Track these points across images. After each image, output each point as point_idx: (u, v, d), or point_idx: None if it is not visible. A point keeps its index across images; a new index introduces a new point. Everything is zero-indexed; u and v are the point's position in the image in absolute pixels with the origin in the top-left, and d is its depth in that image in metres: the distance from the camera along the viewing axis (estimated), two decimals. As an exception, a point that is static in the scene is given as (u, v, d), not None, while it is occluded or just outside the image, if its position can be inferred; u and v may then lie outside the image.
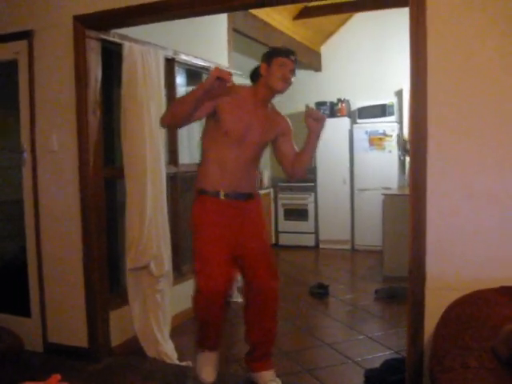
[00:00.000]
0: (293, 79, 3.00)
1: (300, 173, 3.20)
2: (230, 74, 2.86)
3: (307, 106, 3.15)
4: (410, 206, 2.78)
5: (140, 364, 3.59)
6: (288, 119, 3.26)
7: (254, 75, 3.15)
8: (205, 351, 3.21)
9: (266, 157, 8.81)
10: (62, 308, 3.79)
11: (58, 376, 3.05)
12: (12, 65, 3.82)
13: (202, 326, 3.13)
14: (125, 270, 3.77)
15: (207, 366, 3.20)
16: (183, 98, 3.07)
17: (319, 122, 3.00)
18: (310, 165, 3.24)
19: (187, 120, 2.99)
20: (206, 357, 3.21)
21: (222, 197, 2.99)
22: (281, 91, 3.02)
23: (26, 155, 3.79)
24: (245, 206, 3.07)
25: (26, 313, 3.94)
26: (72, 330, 3.76)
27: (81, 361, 3.63)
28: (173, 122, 3.07)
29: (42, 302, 3.85)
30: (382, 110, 7.62)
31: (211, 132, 3.05)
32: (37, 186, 3.78)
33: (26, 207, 3.85)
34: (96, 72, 3.61)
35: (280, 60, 2.96)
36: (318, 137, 3.05)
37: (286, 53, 3.00)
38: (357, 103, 7.89)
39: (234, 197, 3.01)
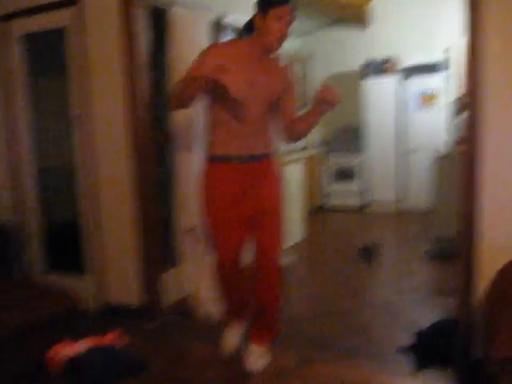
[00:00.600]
0: (289, 31, 2.68)
1: (294, 140, 3.01)
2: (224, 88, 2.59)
3: (325, 83, 2.69)
4: (462, 164, 2.73)
5: (191, 324, 3.69)
6: (291, 75, 3.01)
7: (249, 27, 2.80)
8: (231, 322, 3.29)
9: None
10: (117, 268, 3.92)
11: (115, 333, 3.20)
12: (61, 32, 3.88)
13: (224, 294, 3.17)
14: (178, 231, 3.85)
15: (231, 337, 3.27)
16: (182, 88, 2.61)
17: (329, 106, 2.66)
18: (306, 135, 2.96)
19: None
20: (232, 328, 3.29)
21: (233, 160, 2.86)
22: (276, 51, 2.77)
23: (79, 120, 3.87)
24: (258, 167, 2.92)
25: (84, 272, 4.08)
26: (127, 289, 3.88)
27: (135, 319, 3.76)
28: (182, 106, 2.76)
29: (99, 261, 3.98)
30: (431, 68, 7.38)
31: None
32: (91, 151, 3.87)
33: (81, 170, 3.96)
34: (143, 37, 3.62)
35: (276, 11, 2.61)
36: (321, 115, 2.77)
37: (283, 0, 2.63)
38: (406, 61, 7.68)
39: (246, 159, 2.86)
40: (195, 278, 3.83)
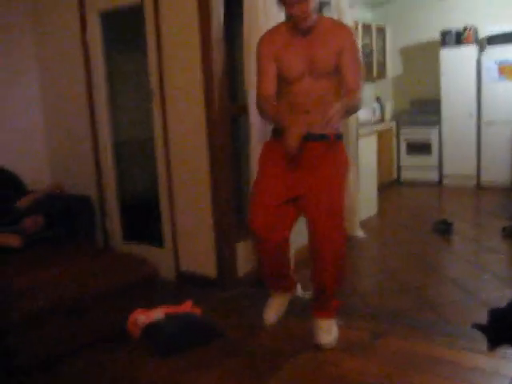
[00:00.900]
0: (309, 7, 2.66)
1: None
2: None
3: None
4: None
5: (264, 294, 3.76)
6: (349, 31, 2.92)
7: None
8: (272, 293, 3.31)
9: (388, 90, 8.61)
10: (192, 239, 4.02)
11: (190, 302, 3.30)
12: (138, 8, 3.96)
13: (263, 265, 3.17)
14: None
15: (270, 308, 3.28)
16: (267, 113, 2.92)
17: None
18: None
19: None
20: (273, 299, 3.31)
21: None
22: (304, 28, 2.78)
23: (156, 94, 3.97)
24: (317, 147, 2.86)
25: (160, 243, 4.23)
26: (201, 259, 3.99)
27: (209, 289, 3.86)
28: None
29: (174, 232, 4.10)
30: (512, 37, 7.07)
31: (279, 79, 2.93)
32: (166, 124, 3.96)
33: (157, 144, 4.07)
34: (219, 10, 3.65)
35: (287, 1, 2.70)
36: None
37: None
38: (485, 30, 7.36)
39: (304, 138, 2.75)
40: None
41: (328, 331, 3.00)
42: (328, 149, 2.90)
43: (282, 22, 3.01)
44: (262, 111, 2.96)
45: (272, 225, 2.93)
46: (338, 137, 2.98)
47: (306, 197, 2.90)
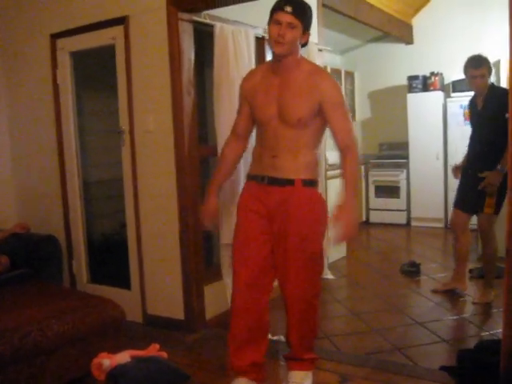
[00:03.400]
0: (291, 35, 2.51)
1: None
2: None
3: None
4: (508, 183, 2.68)
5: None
6: (332, 81, 2.68)
7: None
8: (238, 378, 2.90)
9: (357, 133, 8.74)
10: (159, 281, 3.98)
11: (157, 345, 3.24)
12: (110, 50, 3.99)
13: (232, 328, 2.89)
14: (219, 245, 3.89)
15: None
16: (217, 165, 3.13)
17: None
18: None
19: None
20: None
21: (259, 180, 2.74)
22: (278, 54, 2.57)
23: (125, 135, 3.97)
24: (287, 194, 2.67)
25: (127, 285, 4.16)
26: (169, 302, 3.94)
27: (177, 331, 3.81)
28: None
29: (141, 275, 4.05)
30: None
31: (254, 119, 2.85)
32: (135, 165, 3.95)
33: (125, 185, 4.05)
34: (189, 53, 3.71)
35: (275, 16, 2.53)
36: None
37: (279, 4, 2.53)
38: (451, 76, 7.59)
39: (268, 182, 2.70)
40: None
41: (302, 380, 2.91)
42: (293, 195, 2.68)
43: (268, 61, 2.97)
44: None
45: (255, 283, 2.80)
46: (310, 183, 2.72)
47: (280, 254, 2.74)
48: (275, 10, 2.54)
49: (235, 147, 2.98)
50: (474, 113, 4.47)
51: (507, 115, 3.55)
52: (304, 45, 2.69)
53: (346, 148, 2.66)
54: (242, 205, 2.85)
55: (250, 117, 2.85)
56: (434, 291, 4.70)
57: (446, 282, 4.77)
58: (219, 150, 3.70)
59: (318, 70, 2.73)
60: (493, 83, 4.48)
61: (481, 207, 4.26)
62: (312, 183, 2.72)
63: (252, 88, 2.77)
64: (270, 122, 2.69)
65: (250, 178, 2.85)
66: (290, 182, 2.67)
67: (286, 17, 2.49)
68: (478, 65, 4.28)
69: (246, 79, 2.88)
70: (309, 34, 2.65)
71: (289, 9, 2.48)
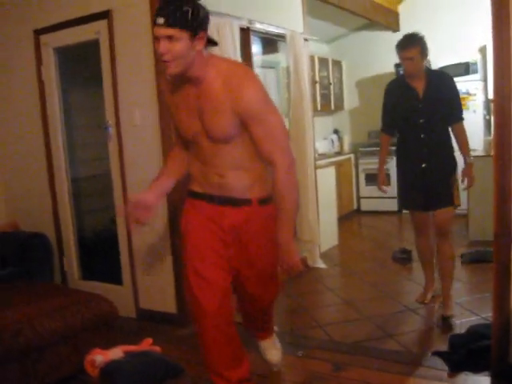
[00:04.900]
0: (176, 49, 2.11)
1: None
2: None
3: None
4: (494, 166, 2.69)
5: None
6: (250, 84, 2.25)
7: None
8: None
9: (346, 121, 8.76)
10: (151, 275, 3.97)
11: (150, 340, 3.23)
12: (94, 44, 3.97)
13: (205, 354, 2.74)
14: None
15: None
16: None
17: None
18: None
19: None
20: None
21: (207, 200, 2.48)
22: (171, 75, 2.23)
23: (111, 130, 3.95)
24: (245, 214, 2.43)
25: (119, 281, 4.16)
26: (161, 297, 3.94)
27: (170, 326, 3.82)
28: None
29: (133, 270, 4.05)
30: (465, 69, 7.28)
31: None
32: (123, 160, 3.94)
33: (113, 180, 4.04)
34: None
35: (154, 31, 2.16)
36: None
37: (156, 15, 2.12)
38: (438, 62, 7.58)
39: (219, 202, 2.44)
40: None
41: (273, 347, 3.02)
42: (252, 215, 2.45)
43: None
44: None
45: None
46: (265, 200, 2.45)
47: (239, 275, 2.60)
48: (154, 21, 2.14)
49: (182, 158, 2.62)
50: (411, 101, 3.95)
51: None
52: (214, 44, 2.39)
53: (271, 164, 2.32)
54: (192, 224, 2.53)
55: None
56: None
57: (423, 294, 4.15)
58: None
59: (235, 71, 2.30)
60: (427, 67, 4.06)
61: (449, 200, 3.94)
62: (268, 201, 2.45)
63: (172, 101, 2.43)
64: (196, 138, 2.37)
65: (195, 195, 2.54)
66: (246, 202, 2.43)
67: (161, 31, 2.10)
68: (405, 45, 3.82)
69: (166, 89, 2.48)
70: (204, 35, 2.25)
71: (161, 20, 2.08)
